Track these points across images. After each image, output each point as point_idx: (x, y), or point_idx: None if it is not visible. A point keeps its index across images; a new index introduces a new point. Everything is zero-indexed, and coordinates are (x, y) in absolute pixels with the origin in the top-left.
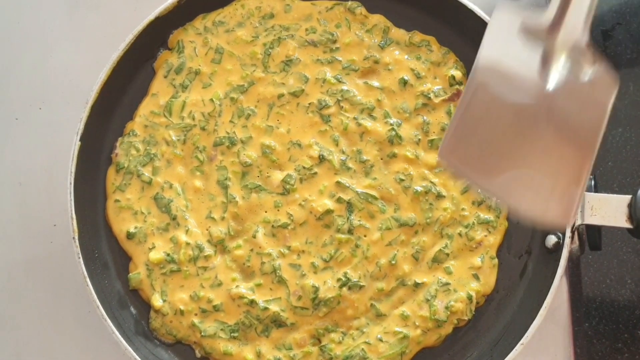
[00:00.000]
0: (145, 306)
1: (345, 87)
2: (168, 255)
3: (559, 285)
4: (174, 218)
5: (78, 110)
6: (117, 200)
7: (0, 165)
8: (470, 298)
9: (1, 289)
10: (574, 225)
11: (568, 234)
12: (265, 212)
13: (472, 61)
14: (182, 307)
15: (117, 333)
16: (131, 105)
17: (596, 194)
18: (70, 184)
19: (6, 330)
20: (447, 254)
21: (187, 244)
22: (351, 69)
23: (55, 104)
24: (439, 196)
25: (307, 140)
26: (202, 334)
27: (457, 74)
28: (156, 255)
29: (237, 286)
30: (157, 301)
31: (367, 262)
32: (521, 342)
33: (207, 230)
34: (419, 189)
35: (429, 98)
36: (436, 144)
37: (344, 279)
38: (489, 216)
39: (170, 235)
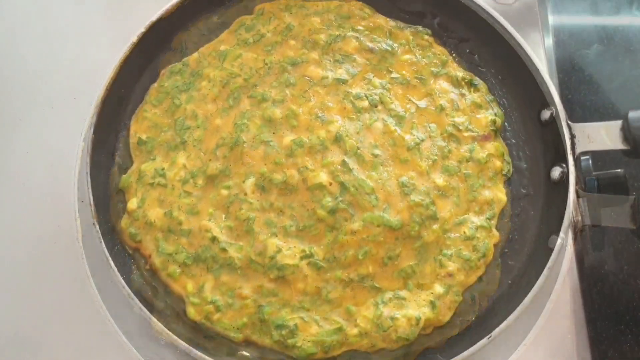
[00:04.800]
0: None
1: (385, 92)
2: (162, 169)
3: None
4: (184, 142)
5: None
6: (146, 110)
7: (5, 167)
8: (417, 320)
9: (5, 290)
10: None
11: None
12: (265, 164)
13: (510, 113)
14: (153, 220)
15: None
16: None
17: (589, 123)
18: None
19: (9, 331)
20: (415, 272)
21: (184, 166)
22: (398, 81)
23: (60, 106)
24: (433, 217)
25: (332, 117)
26: (160, 250)
27: (498, 121)
28: (149, 166)
29: (209, 219)
30: (133, 204)
31: (337, 247)
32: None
33: (207, 162)
34: (418, 199)
35: (459, 130)
36: (449, 170)
37: (307, 252)
38: (471, 255)
39: (174, 154)
